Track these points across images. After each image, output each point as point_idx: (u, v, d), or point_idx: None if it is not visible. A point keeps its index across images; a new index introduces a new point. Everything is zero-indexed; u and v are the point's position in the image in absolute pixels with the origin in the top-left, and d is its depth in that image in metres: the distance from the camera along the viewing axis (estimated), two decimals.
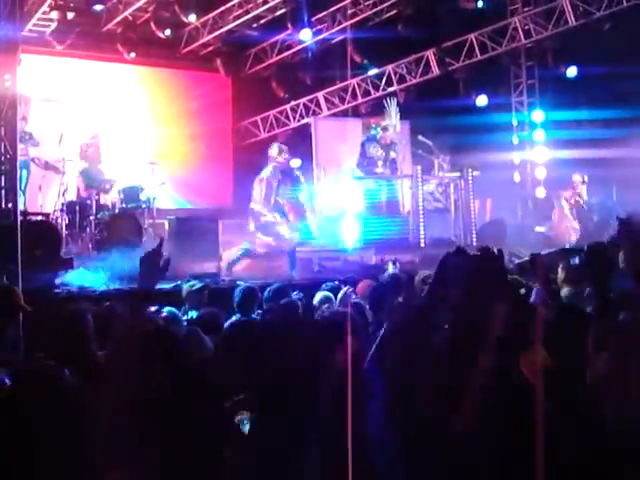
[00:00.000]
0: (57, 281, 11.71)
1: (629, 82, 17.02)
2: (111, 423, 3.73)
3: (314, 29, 19.43)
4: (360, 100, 20.95)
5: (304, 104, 21.81)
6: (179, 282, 10.01)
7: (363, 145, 17.17)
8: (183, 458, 3.55)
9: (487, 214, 19.00)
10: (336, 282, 9.35)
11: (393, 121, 17.37)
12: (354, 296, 8.30)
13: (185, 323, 7.40)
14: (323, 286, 9.14)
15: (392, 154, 17.14)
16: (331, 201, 17.86)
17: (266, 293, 8.34)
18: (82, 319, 5.42)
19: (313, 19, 19.19)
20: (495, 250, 4.17)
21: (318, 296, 8.44)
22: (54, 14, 17.86)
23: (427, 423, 3.66)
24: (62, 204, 14.93)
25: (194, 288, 9.13)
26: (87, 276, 12.00)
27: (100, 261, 12.86)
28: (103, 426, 3.74)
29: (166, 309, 7.29)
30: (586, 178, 18.12)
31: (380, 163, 16.96)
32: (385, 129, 17.11)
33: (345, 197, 16.70)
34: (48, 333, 5.58)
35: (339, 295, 8.42)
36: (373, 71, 20.76)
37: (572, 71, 19.26)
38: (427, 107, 19.16)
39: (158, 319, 6.39)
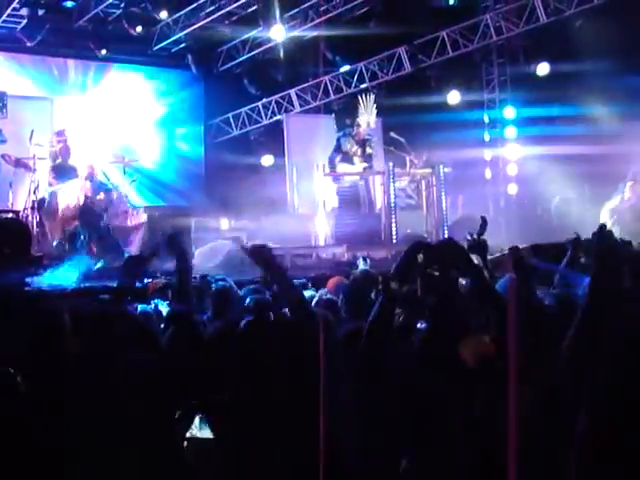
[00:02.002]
0: (27, 280, 11.63)
1: (600, 79, 17.11)
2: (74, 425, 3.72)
3: (286, 26, 19.40)
4: (332, 97, 20.95)
5: (276, 101, 21.80)
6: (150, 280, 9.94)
7: (338, 140, 17.15)
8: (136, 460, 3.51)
9: (459, 211, 19.03)
10: (304, 280, 9.31)
11: (367, 117, 17.34)
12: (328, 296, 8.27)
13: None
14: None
15: (368, 150, 17.14)
16: (303, 198, 17.87)
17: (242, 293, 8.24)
18: (58, 318, 5.39)
19: (285, 16, 19.15)
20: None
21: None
22: (24, 10, 17.76)
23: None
24: (33, 202, 14.79)
25: (158, 286, 9.12)
26: (57, 275, 11.91)
27: (71, 259, 12.77)
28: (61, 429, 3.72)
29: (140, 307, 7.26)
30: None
31: (356, 159, 16.94)
32: (359, 125, 17.09)
33: (317, 194, 16.69)
34: (21, 332, 5.54)
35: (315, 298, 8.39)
36: (345, 68, 20.78)
37: (543, 68, 19.34)
38: (399, 104, 19.18)
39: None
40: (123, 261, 4.22)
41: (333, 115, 19.82)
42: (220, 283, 8.55)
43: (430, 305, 3.92)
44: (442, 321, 3.81)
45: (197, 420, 3.68)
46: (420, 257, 3.83)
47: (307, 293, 8.50)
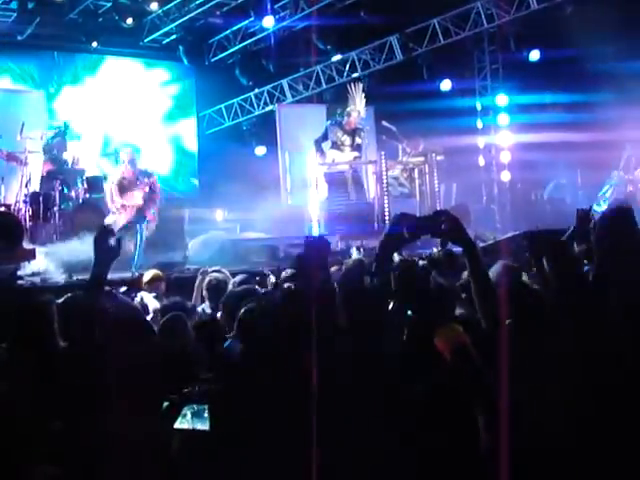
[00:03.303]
0: (19, 272, 11.64)
1: (591, 65, 17.12)
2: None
3: (277, 16, 19.38)
4: (324, 86, 20.93)
5: (268, 91, 21.78)
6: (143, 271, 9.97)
7: (327, 128, 17.13)
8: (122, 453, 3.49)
9: (452, 199, 19.03)
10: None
11: (357, 106, 17.32)
12: None
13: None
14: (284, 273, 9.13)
15: (358, 139, 17.10)
16: (296, 188, 17.88)
17: (230, 285, 8.22)
18: (46, 310, 5.39)
19: (276, 6, 19.15)
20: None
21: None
22: (14, 4, 17.73)
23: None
24: (25, 195, 14.76)
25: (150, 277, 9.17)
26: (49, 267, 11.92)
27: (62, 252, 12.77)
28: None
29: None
30: None
31: (345, 149, 16.92)
32: (349, 115, 17.06)
33: (309, 181, 16.70)
34: (10, 323, 5.55)
35: None
36: (337, 57, 20.74)
37: (535, 55, 19.36)
38: (391, 92, 19.15)
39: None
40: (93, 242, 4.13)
41: (325, 106, 19.83)
42: (214, 274, 8.58)
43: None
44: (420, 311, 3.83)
45: (189, 412, 3.60)
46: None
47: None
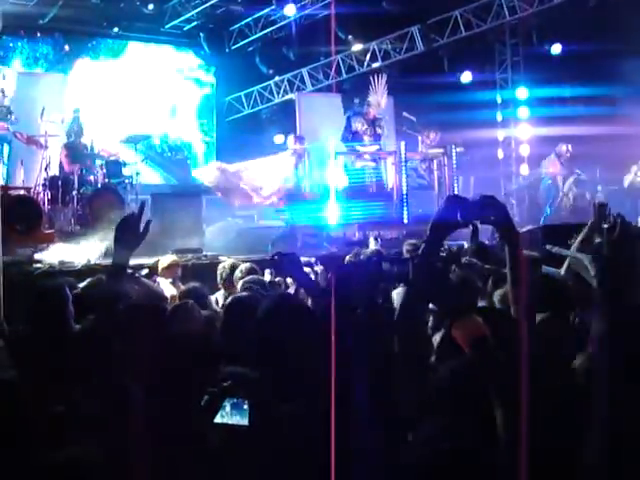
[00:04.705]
0: (37, 256, 11.69)
1: (613, 59, 17.02)
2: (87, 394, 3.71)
3: (298, 4, 19.36)
4: (344, 76, 20.89)
5: (288, 80, 21.76)
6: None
7: (349, 119, 17.07)
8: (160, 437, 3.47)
9: (470, 191, 18.97)
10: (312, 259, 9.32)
11: (378, 98, 17.27)
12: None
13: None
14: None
15: (378, 130, 17.05)
16: (315, 177, 17.84)
17: (238, 272, 8.16)
18: (59, 293, 5.42)
19: None
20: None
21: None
22: None
23: None
24: (44, 179, 14.80)
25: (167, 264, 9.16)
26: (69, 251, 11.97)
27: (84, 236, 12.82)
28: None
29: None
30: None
31: (367, 138, 16.86)
32: (369, 104, 17.01)
33: (329, 173, 16.65)
34: (27, 306, 5.59)
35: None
36: (357, 47, 20.70)
37: (556, 48, 19.28)
38: (411, 84, 19.13)
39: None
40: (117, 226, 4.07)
41: (340, 95, 19.79)
42: (229, 261, 8.58)
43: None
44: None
45: (228, 405, 3.51)
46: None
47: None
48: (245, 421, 3.35)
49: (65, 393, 3.93)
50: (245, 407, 3.37)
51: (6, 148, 15.47)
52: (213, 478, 3.35)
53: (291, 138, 17.29)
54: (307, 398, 3.51)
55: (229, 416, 3.38)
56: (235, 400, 3.40)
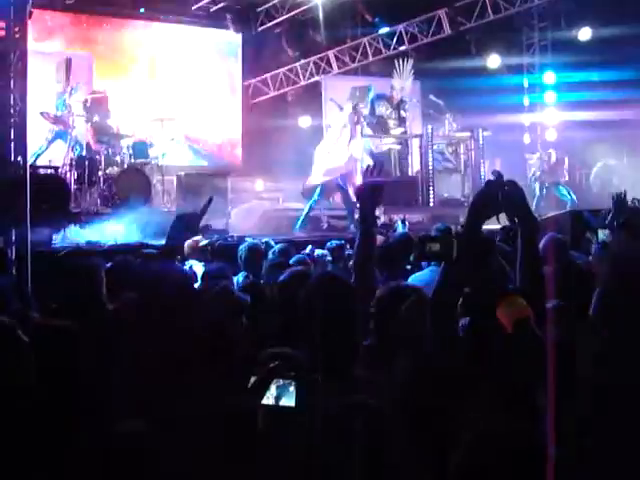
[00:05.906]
0: (64, 235, 11.75)
1: None
2: (127, 375, 3.73)
3: None
4: (370, 59, 20.81)
5: (314, 62, 21.69)
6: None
7: (372, 103, 17.07)
8: (200, 417, 3.48)
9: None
10: (340, 241, 9.35)
11: (402, 82, 17.25)
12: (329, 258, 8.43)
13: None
14: (327, 244, 9.19)
15: (402, 113, 17.05)
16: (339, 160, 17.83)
17: (270, 254, 8.18)
18: (95, 273, 5.44)
19: None
20: None
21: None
22: None
23: None
24: (71, 159, 14.86)
25: (199, 245, 9.14)
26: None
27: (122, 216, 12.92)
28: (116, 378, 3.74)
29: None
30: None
31: (391, 122, 16.86)
32: (393, 88, 17.00)
33: (355, 153, 16.64)
34: (60, 286, 5.60)
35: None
36: (384, 30, 20.62)
37: (585, 33, 19.16)
38: (438, 67, 19.06)
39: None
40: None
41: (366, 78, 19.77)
42: (252, 241, 8.59)
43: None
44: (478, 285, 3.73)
45: (274, 386, 3.49)
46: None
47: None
48: (292, 402, 3.35)
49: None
50: (291, 389, 3.37)
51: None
52: (261, 459, 3.35)
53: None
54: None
55: (275, 397, 3.37)
56: (281, 381, 3.40)
